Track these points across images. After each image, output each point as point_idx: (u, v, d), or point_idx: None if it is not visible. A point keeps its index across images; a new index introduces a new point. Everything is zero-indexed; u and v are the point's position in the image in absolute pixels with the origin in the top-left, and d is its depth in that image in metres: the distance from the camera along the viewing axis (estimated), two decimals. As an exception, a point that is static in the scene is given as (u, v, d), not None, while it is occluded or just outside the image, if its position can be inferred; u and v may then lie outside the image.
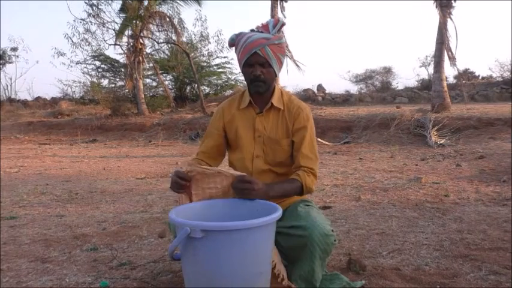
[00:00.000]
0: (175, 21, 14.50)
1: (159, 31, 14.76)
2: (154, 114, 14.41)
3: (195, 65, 15.28)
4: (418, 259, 2.24)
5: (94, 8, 14.28)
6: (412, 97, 16.98)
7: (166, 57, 17.06)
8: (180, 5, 14.86)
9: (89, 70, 17.16)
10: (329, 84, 43.23)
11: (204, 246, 1.31)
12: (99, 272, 2.14)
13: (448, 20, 10.14)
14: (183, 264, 1.45)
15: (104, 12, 14.50)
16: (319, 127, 9.48)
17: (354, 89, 22.43)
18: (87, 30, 14.73)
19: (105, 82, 17.71)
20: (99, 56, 16.77)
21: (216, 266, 1.33)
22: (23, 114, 17.54)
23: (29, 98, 22.99)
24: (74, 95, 19.92)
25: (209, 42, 17.32)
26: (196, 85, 15.67)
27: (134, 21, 14.17)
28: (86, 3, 14.28)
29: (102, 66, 17.36)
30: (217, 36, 16.95)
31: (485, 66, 47.04)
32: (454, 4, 10.24)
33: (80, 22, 14.58)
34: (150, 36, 14.91)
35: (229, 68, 17.95)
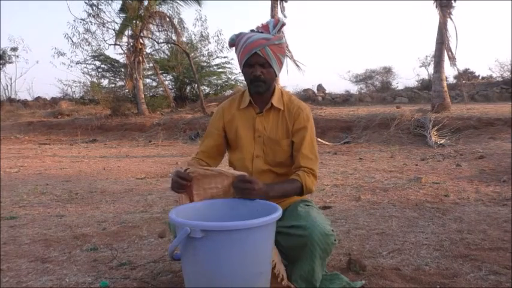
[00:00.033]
0: (175, 21, 14.52)
1: (159, 31, 14.78)
2: (154, 114, 14.41)
3: (195, 65, 15.29)
4: (418, 259, 2.24)
5: (94, 8, 14.31)
6: (412, 97, 16.99)
7: (166, 57, 17.07)
8: (180, 5, 14.89)
9: (89, 70, 17.21)
10: (329, 84, 43.30)
11: (204, 246, 1.31)
12: (99, 272, 2.14)
13: (448, 20, 10.14)
14: (183, 264, 1.45)
15: (104, 12, 14.55)
16: (319, 127, 9.48)
17: (354, 89, 22.49)
18: (87, 30, 14.76)
19: (105, 82, 17.75)
20: (99, 56, 16.77)
21: (216, 266, 1.33)
22: (23, 114, 17.55)
23: (29, 98, 23.06)
24: (74, 95, 19.95)
25: (209, 42, 17.37)
26: (196, 85, 15.68)
27: (134, 21, 14.17)
28: (86, 3, 14.31)
29: (102, 66, 17.37)
30: (217, 36, 16.99)
31: (485, 66, 47.12)
32: (454, 4, 10.25)
33: (80, 22, 14.62)
34: (150, 36, 14.91)
35: (229, 68, 18.00)
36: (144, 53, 14.88)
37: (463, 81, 17.60)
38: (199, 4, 15.06)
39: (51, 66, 50.22)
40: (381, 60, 52.50)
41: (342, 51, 48.28)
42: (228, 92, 17.43)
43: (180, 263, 1.56)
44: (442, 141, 8.10)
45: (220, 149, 1.92)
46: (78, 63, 16.44)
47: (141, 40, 14.46)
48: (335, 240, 1.63)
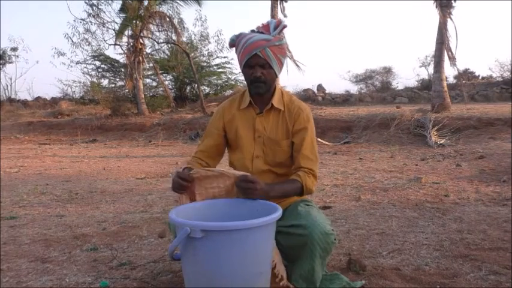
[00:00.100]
0: (175, 21, 14.53)
1: (159, 31, 14.79)
2: (154, 114, 14.41)
3: (195, 65, 15.29)
4: (418, 259, 2.24)
5: (94, 8, 14.32)
6: (412, 97, 16.99)
7: (166, 57, 17.07)
8: (180, 5, 14.89)
9: (89, 70, 17.22)
10: (329, 84, 43.29)
11: (204, 246, 1.31)
12: (99, 272, 2.14)
13: (448, 20, 10.14)
14: (183, 264, 1.45)
15: (104, 12, 14.56)
16: (319, 127, 9.48)
17: (354, 89, 22.49)
18: (87, 30, 14.78)
19: (105, 82, 17.77)
20: (99, 56, 16.78)
21: (216, 266, 1.33)
22: (23, 114, 17.54)
23: (29, 98, 23.05)
24: (74, 95, 19.95)
25: (209, 42, 17.40)
26: (196, 85, 15.68)
27: (134, 21, 14.17)
28: (86, 3, 14.32)
29: (102, 66, 17.38)
30: (217, 36, 17.02)
31: (485, 66, 47.14)
32: (454, 4, 10.25)
33: (80, 22, 14.63)
34: (150, 36, 14.91)
35: (229, 68, 18.01)
36: (144, 53, 14.88)
37: (463, 81, 17.59)
38: (199, 4, 15.09)
39: (51, 66, 50.36)
40: (381, 60, 52.57)
41: (342, 51, 48.33)
42: (228, 92, 17.43)
43: (180, 263, 1.56)
44: (442, 141, 8.10)
45: (219, 149, 1.92)
46: (78, 63, 16.50)
47: (141, 40, 14.46)
48: (335, 239, 1.63)
